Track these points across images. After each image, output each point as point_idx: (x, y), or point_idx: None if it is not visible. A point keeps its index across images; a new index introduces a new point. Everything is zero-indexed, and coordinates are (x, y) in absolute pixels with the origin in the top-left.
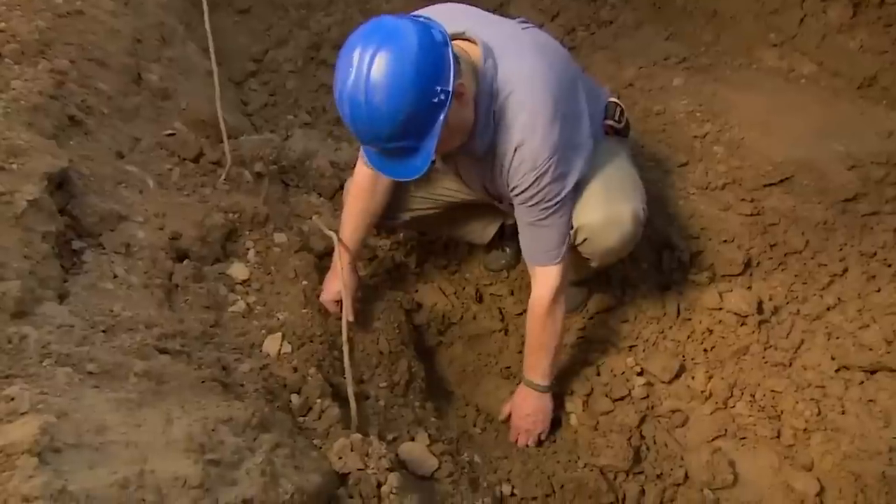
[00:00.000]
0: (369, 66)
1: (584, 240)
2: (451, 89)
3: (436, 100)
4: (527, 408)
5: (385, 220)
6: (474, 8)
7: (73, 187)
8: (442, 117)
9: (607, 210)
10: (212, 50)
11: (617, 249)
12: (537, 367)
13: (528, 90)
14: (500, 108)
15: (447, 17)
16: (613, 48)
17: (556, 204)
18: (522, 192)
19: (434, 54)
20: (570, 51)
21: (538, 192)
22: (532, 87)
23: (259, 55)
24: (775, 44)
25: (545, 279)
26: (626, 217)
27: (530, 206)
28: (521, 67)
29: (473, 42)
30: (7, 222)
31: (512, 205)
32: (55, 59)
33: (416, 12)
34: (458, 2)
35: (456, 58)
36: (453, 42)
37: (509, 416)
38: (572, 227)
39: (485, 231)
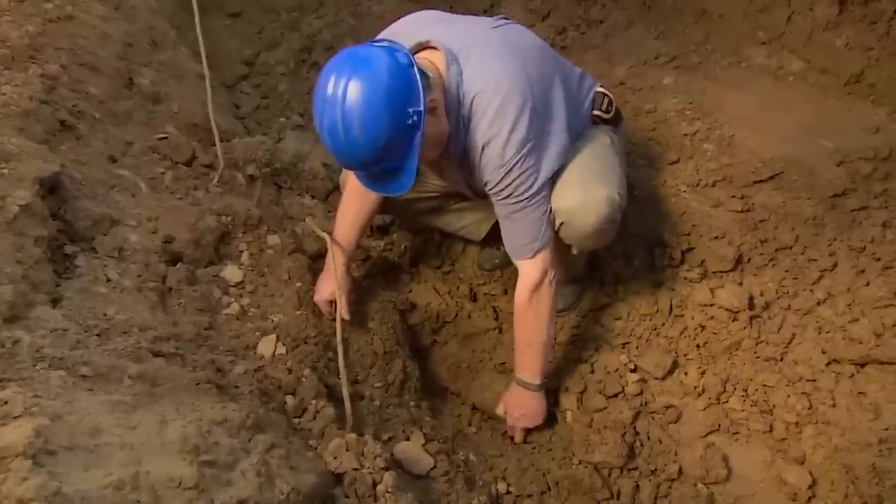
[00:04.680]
0: (343, 98)
1: (562, 223)
2: (422, 108)
3: (410, 122)
4: (520, 406)
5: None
6: (446, 14)
7: (65, 192)
8: (419, 136)
9: (583, 194)
10: (203, 53)
11: (594, 233)
12: (527, 365)
13: (492, 90)
14: (468, 111)
15: (416, 27)
16: (604, 47)
17: (528, 197)
18: (494, 186)
19: (402, 79)
20: (561, 51)
21: (508, 186)
22: (497, 87)
23: (251, 58)
24: (763, 42)
25: (524, 274)
26: (602, 200)
27: (502, 199)
28: (487, 69)
29: (438, 49)
30: None
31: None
32: (46, 63)
33: (389, 27)
34: (436, 7)
35: (423, 73)
36: (418, 54)
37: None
38: (551, 211)
39: (479, 227)
